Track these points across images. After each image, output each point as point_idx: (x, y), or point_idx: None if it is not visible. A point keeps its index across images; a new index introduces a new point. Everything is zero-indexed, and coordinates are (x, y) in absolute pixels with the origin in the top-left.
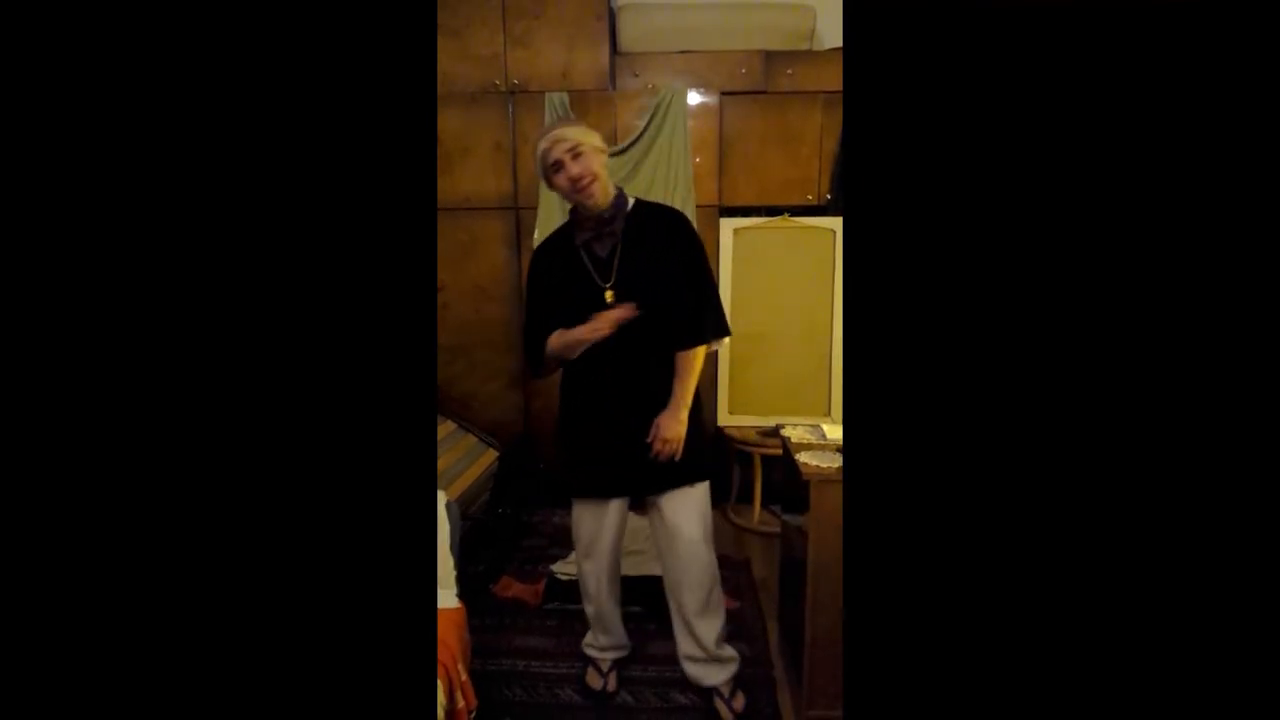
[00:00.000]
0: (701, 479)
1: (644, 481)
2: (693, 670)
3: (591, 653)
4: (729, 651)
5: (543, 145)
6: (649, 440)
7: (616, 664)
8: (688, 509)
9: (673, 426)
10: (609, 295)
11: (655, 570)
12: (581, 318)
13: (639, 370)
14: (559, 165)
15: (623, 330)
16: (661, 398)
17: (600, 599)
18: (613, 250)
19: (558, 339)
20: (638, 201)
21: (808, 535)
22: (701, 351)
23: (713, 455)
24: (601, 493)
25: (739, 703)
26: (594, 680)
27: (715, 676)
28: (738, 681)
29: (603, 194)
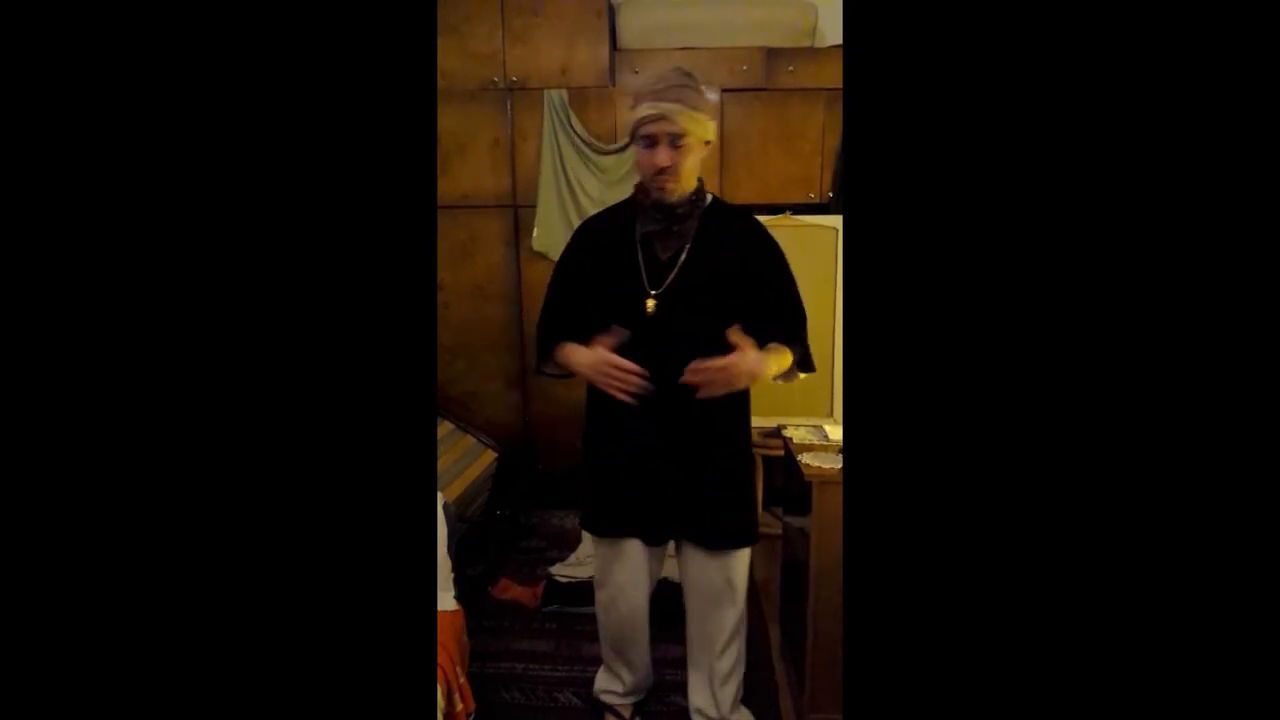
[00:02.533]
0: (744, 544)
1: (677, 528)
2: None
3: (610, 699)
4: (743, 714)
5: (646, 110)
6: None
7: (638, 707)
8: (723, 571)
9: (740, 362)
10: (650, 304)
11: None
12: (613, 319)
13: (678, 399)
14: (651, 141)
15: (672, 351)
16: (709, 436)
17: (626, 641)
18: (676, 253)
19: (572, 355)
20: (715, 201)
21: (810, 537)
22: (787, 360)
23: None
24: (627, 532)
25: None
26: None
27: None
28: None
29: (680, 189)
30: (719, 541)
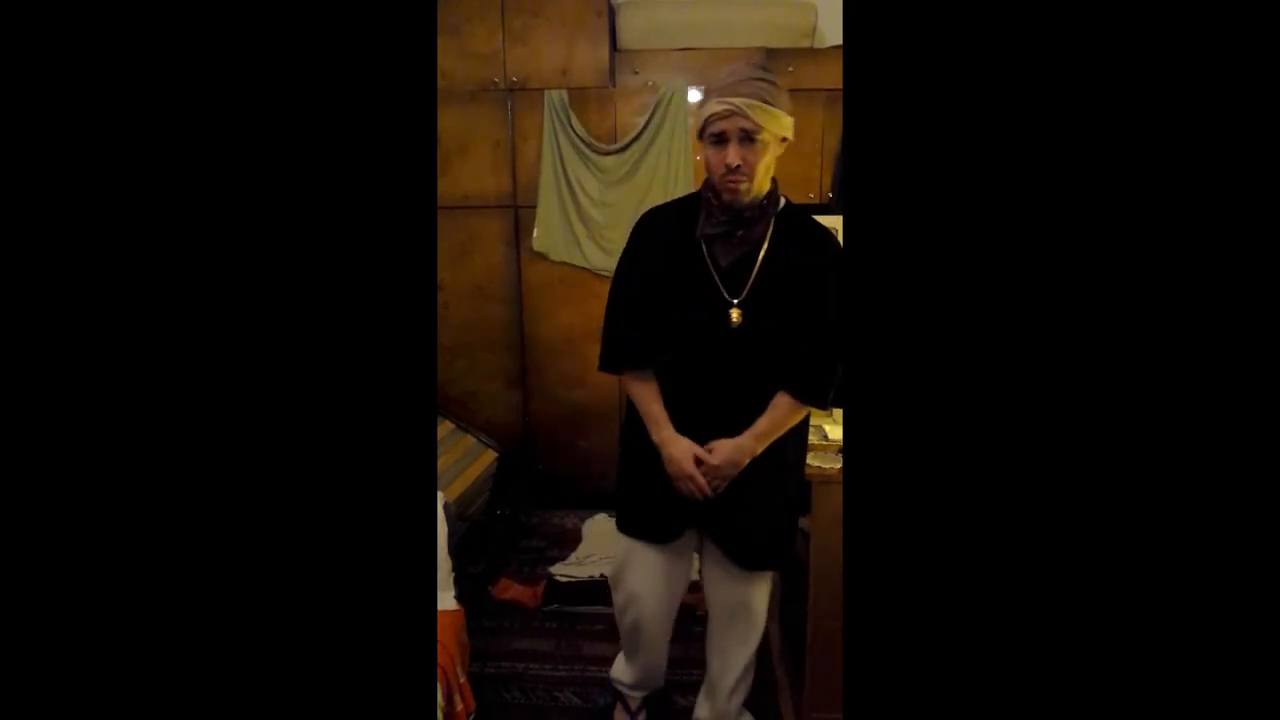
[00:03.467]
0: (771, 566)
1: (727, 539)
2: None
3: (620, 688)
4: (745, 716)
5: (716, 107)
6: (699, 458)
7: (646, 702)
8: (764, 591)
9: (732, 453)
10: (735, 315)
11: None
12: (695, 328)
13: (737, 412)
14: (721, 139)
15: (735, 364)
16: (770, 452)
17: (645, 640)
18: (740, 260)
19: (645, 404)
20: (789, 206)
21: (810, 536)
22: (804, 411)
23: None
24: (665, 535)
25: None
26: (620, 718)
27: None
28: None
29: (753, 190)
30: (744, 557)
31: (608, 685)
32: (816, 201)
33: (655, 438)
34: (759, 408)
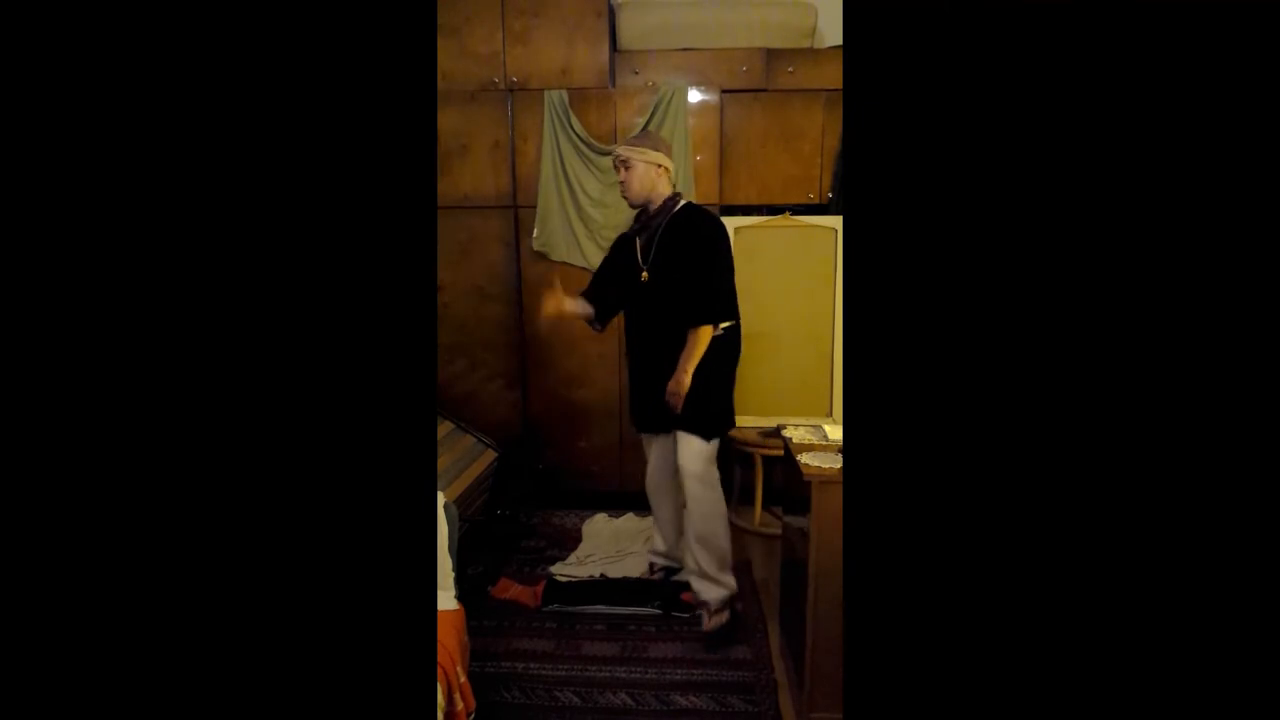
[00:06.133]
0: (698, 432)
1: (657, 422)
2: (694, 583)
3: (651, 558)
4: (726, 579)
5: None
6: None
7: (668, 570)
8: (689, 452)
9: (674, 384)
10: (644, 275)
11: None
12: (625, 289)
13: (661, 340)
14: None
15: (651, 309)
16: (672, 357)
17: (654, 508)
18: (649, 241)
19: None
20: (686, 206)
21: (809, 537)
22: (704, 331)
23: (720, 420)
24: (638, 426)
25: (720, 619)
26: (645, 572)
27: (708, 594)
28: (728, 604)
29: (633, 195)
30: (679, 424)
31: (608, 685)
32: (816, 201)
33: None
34: (669, 334)
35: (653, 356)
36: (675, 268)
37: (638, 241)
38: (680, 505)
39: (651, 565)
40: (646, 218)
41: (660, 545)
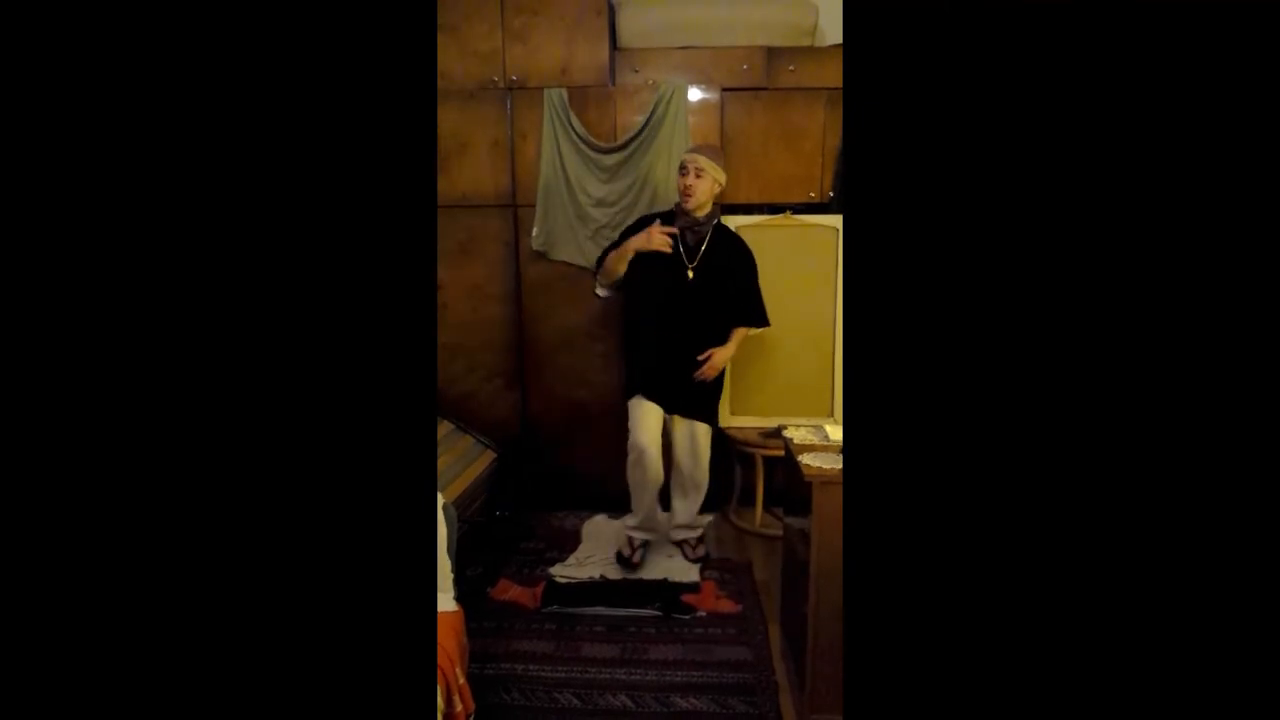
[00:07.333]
0: (713, 422)
1: (687, 407)
2: (675, 534)
3: (629, 532)
4: (702, 519)
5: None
6: (700, 359)
7: (645, 544)
8: (705, 439)
9: (720, 358)
10: (690, 274)
11: (654, 574)
12: (658, 278)
13: (699, 333)
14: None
15: (695, 305)
16: (705, 349)
17: (640, 480)
18: (696, 244)
19: (627, 245)
20: (718, 224)
21: (810, 537)
22: (745, 332)
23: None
24: (652, 397)
25: (699, 550)
26: (625, 549)
27: (687, 534)
28: (704, 541)
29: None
30: (701, 412)
31: (608, 687)
32: (816, 201)
33: (625, 248)
34: (710, 326)
35: (689, 346)
36: (726, 275)
37: (683, 239)
38: (661, 478)
39: (630, 540)
40: (692, 221)
41: (632, 521)
